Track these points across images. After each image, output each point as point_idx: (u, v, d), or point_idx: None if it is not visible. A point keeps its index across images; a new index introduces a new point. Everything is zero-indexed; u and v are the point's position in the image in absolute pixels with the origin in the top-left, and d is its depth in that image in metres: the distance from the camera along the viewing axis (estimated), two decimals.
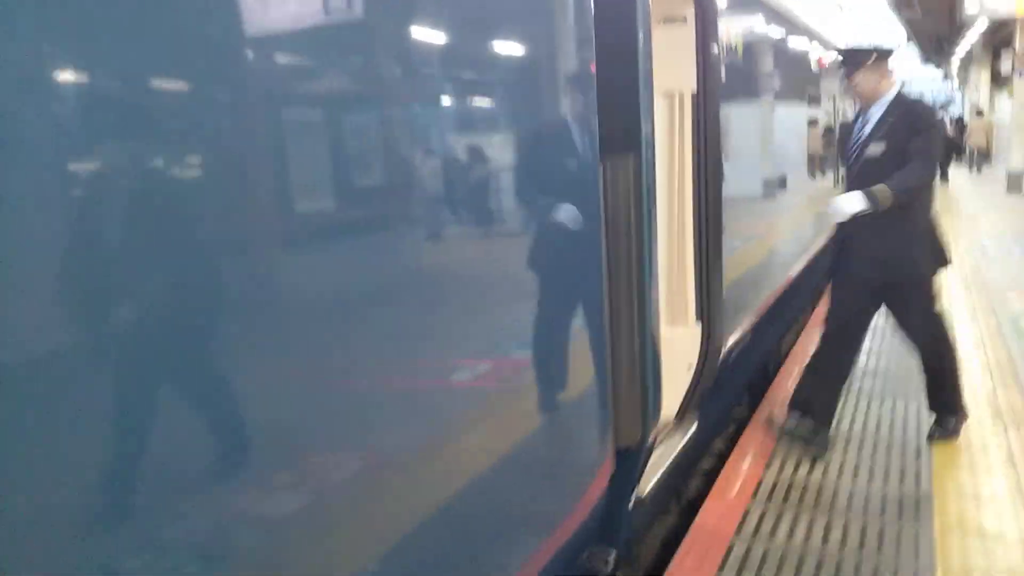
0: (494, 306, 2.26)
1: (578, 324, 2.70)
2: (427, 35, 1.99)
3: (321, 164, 1.54)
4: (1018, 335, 6.05)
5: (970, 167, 21.54)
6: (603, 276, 2.79)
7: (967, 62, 26.74)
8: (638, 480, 3.31)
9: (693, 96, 4.18)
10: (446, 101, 2.07)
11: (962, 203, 15.00)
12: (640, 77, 2.98)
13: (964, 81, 31.71)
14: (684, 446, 4.15)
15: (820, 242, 8.70)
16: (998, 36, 22.10)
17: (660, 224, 3.72)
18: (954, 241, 10.52)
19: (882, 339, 5.88)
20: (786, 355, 6.05)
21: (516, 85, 2.35)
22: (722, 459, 4.50)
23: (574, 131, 2.57)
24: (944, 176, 18.87)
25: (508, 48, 2.32)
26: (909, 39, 33.71)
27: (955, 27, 23.63)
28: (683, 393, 4.30)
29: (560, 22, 2.58)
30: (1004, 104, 20.07)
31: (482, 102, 2.26)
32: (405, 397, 1.86)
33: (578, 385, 2.71)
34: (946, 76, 32.85)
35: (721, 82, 4.32)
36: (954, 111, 19.82)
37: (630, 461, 3.14)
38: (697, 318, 4.35)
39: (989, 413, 4.52)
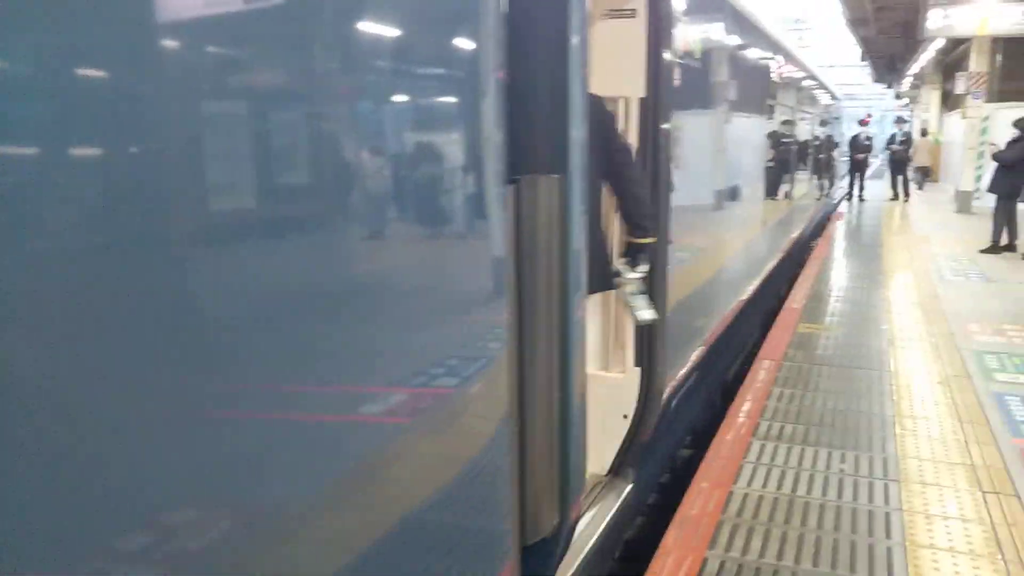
0: (353, 360, 1.59)
1: (472, 383, 2.03)
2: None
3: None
4: (985, 375, 5.58)
5: (918, 186, 21.48)
6: (508, 322, 2.15)
7: (919, 81, 26.87)
8: (555, 570, 2.67)
9: (641, 103, 3.58)
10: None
11: (913, 222, 14.77)
12: (571, 82, 2.34)
13: (915, 100, 31.98)
14: (618, 509, 3.54)
15: (774, 260, 8.33)
16: (950, 56, 22.12)
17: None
18: (908, 263, 10.29)
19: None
20: (734, 388, 5.49)
21: (383, 94, 1.66)
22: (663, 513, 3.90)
23: (469, 148, 1.92)
24: (899, 193, 18.71)
25: (373, 48, 1.62)
26: (863, 58, 33.98)
27: (909, 46, 23.63)
28: (617, 447, 3.70)
29: (450, 16, 1.90)
30: (953, 124, 20.00)
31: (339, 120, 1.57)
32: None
33: (465, 466, 2.04)
34: (898, 96, 33.17)
35: (675, 87, 3.73)
36: (906, 128, 19.57)
37: (543, 553, 2.51)
38: (636, 362, 3.75)
39: (964, 476, 3.99)
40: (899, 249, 11.40)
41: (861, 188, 19.25)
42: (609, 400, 3.79)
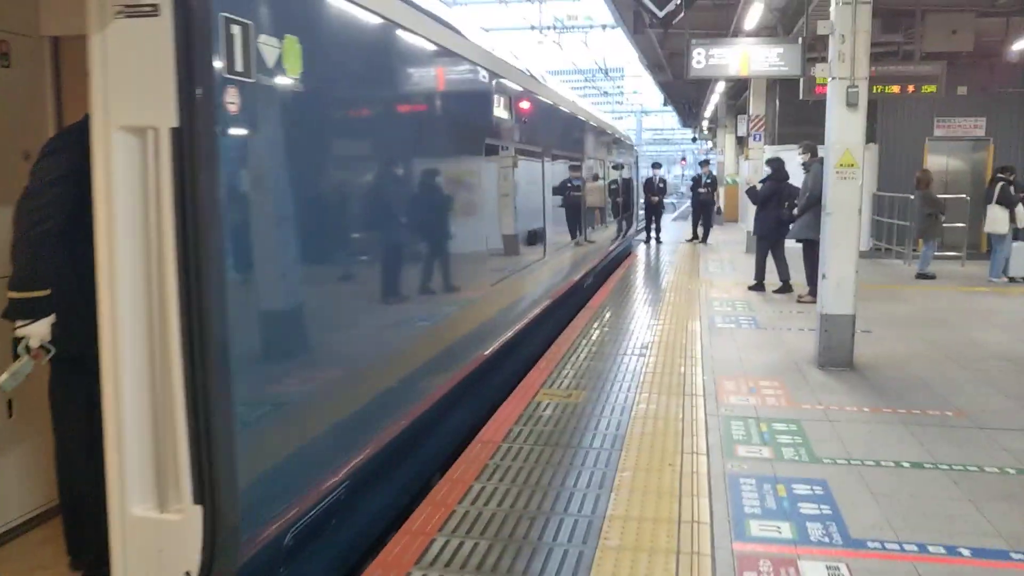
0: None
1: None
2: None
3: None
4: (725, 449, 4.87)
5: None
6: None
7: (714, 125, 27.80)
8: None
9: (174, 135, 2.52)
10: None
11: (702, 263, 14.63)
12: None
13: (715, 144, 33.21)
14: None
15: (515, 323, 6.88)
16: (740, 100, 22.83)
17: (131, 342, 2.66)
18: (684, 309, 9.77)
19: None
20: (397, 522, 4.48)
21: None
22: None
23: None
24: (698, 234, 18.79)
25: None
26: (665, 103, 35.10)
27: (701, 90, 24.29)
28: None
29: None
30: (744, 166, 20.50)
31: None
32: None
33: None
34: (694, 139, 34.45)
35: (234, 110, 2.69)
36: (711, 170, 19.84)
37: None
38: (196, 496, 2.64)
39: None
40: (679, 294, 10.99)
41: (658, 230, 19.25)
42: (166, 555, 2.66)
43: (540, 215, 8.42)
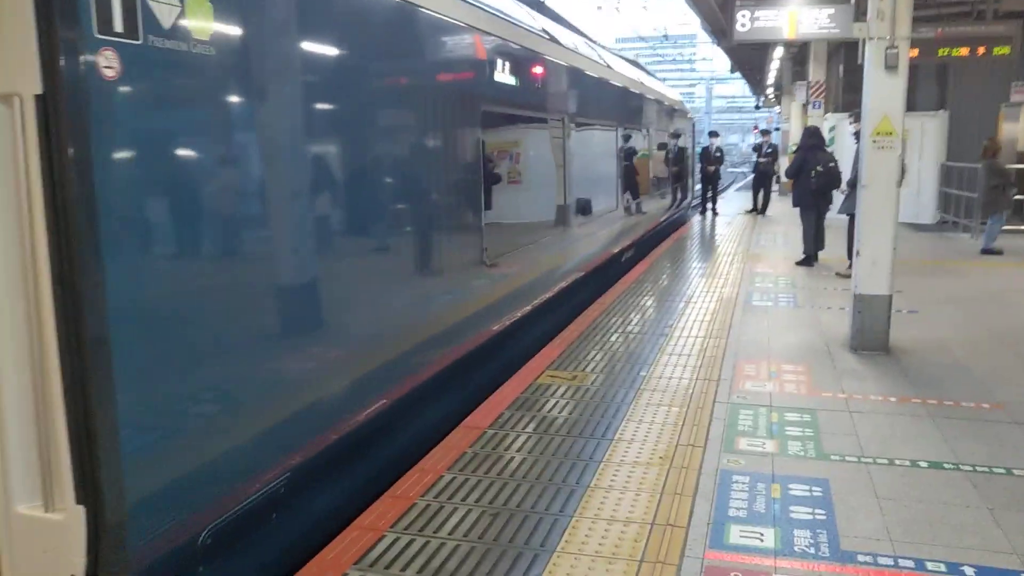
0: None
1: None
2: None
3: None
4: (726, 442, 4.51)
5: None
6: None
7: (779, 92, 26.72)
8: None
9: (39, 100, 2.29)
10: None
11: (756, 236, 14.03)
12: None
13: (782, 111, 31.98)
14: None
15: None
16: (806, 66, 21.82)
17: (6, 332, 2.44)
18: (722, 285, 9.27)
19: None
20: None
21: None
22: None
23: None
24: (757, 205, 18.08)
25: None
26: (733, 70, 33.91)
27: (765, 56, 23.32)
28: None
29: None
30: None
31: None
32: None
33: None
34: (757, 107, 33.21)
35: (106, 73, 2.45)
36: (772, 140, 19.04)
37: None
38: (77, 499, 2.45)
39: None
40: (720, 268, 10.51)
41: (714, 201, 18.60)
42: (50, 556, 2.49)
43: (551, 186, 8.04)
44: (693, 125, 20.35)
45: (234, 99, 3.05)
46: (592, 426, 4.74)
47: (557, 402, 5.18)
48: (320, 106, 3.68)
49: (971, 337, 6.88)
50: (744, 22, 9.95)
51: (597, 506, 3.69)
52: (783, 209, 18.90)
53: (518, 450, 4.38)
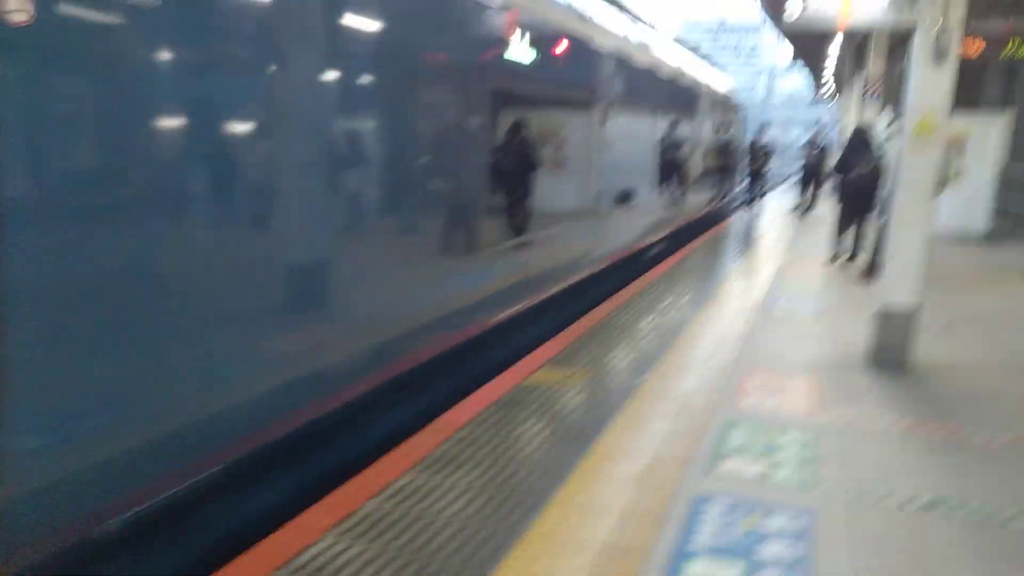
0: None
1: None
2: None
3: None
4: (709, 462, 4.19)
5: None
6: None
7: (839, 80, 25.74)
8: None
9: None
10: None
11: (797, 235, 13.49)
12: None
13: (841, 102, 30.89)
14: None
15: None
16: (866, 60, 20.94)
17: None
18: (749, 288, 8.76)
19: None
20: None
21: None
22: None
23: None
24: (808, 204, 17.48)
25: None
26: (794, 58, 32.85)
27: (825, 47, 22.43)
28: None
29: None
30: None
31: None
32: None
33: None
34: (813, 100, 32.08)
35: None
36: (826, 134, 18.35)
37: None
38: None
39: None
40: (751, 268, 10.08)
41: (761, 196, 18.02)
42: None
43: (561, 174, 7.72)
44: (743, 115, 19.69)
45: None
46: (574, 433, 4.45)
47: (544, 403, 4.90)
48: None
49: (1006, 359, 6.41)
50: (795, 9, 9.41)
51: (552, 527, 3.41)
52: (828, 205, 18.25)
53: (486, 455, 4.12)
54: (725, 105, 16.63)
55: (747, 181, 18.32)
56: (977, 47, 11.06)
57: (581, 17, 7.49)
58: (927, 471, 4.16)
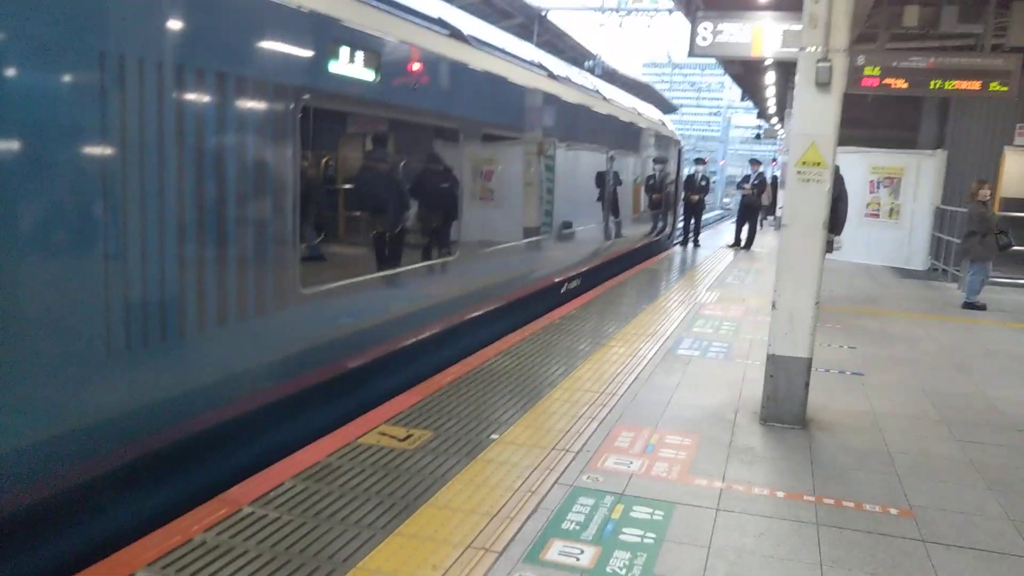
0: None
1: None
2: None
3: None
4: (533, 550, 3.49)
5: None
6: None
7: (781, 114, 25.62)
8: None
9: None
10: None
11: (728, 271, 12.97)
12: None
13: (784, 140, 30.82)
14: None
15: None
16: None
17: None
18: (655, 326, 8.07)
19: None
20: None
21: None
22: None
23: None
24: (740, 239, 17.02)
25: None
26: (743, 97, 32.84)
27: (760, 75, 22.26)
28: None
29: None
30: None
31: None
32: None
33: None
34: (758, 136, 32.07)
35: None
36: (761, 170, 17.96)
37: None
38: None
39: None
40: (665, 306, 9.47)
41: (696, 232, 17.56)
42: None
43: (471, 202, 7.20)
44: (679, 151, 19.30)
45: None
46: (381, 510, 3.73)
47: (363, 470, 4.18)
48: None
49: (911, 412, 5.81)
50: (705, 35, 8.95)
51: None
52: (773, 244, 17.84)
53: (259, 543, 3.37)
54: (654, 137, 16.20)
55: (682, 216, 17.88)
56: (899, 84, 10.69)
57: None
58: (797, 555, 3.50)
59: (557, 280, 10.51)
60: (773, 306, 5.28)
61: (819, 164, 5.10)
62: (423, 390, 5.63)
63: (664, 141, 17.13)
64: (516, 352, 6.91)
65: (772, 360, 5.30)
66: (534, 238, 9.07)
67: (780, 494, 4.18)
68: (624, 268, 13.65)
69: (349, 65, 5.10)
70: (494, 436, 4.79)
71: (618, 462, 4.49)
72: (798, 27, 8.23)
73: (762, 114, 31.08)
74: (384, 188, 6.16)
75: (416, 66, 6.00)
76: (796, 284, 5.18)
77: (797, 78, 5.19)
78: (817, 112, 5.10)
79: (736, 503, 4.03)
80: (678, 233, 19.14)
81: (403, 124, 6.16)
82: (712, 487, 4.22)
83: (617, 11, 24.94)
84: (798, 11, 5.41)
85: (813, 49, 5.07)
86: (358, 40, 5.16)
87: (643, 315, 8.94)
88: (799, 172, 5.13)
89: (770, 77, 19.23)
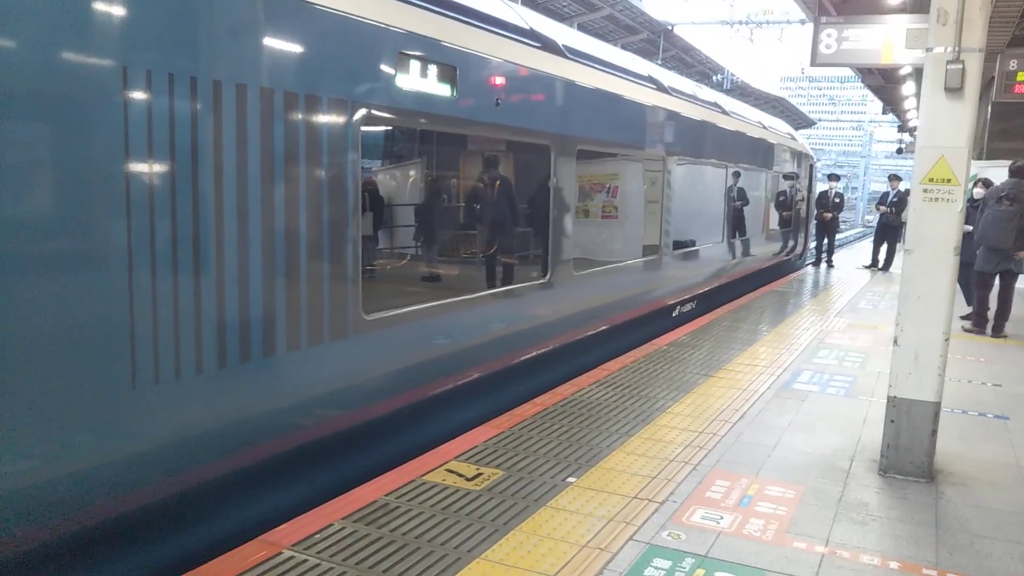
0: None
1: None
2: None
3: None
4: None
5: None
6: None
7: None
8: None
9: None
10: None
11: (864, 295, 12.01)
12: None
13: None
14: None
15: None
16: None
17: None
18: (773, 356, 7.14)
19: None
20: None
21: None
22: None
23: None
24: (878, 260, 15.88)
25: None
26: (885, 110, 30.99)
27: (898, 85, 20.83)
28: None
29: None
30: None
31: None
32: None
33: None
34: (900, 150, 29.95)
35: None
36: (901, 187, 16.72)
37: None
38: None
39: None
40: (788, 333, 8.76)
41: (830, 252, 16.50)
42: None
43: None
44: (811, 166, 18.24)
45: None
46: (429, 562, 3.40)
47: (421, 512, 3.87)
48: None
49: None
50: (829, 42, 8.23)
51: None
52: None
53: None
54: (787, 155, 15.37)
55: (815, 235, 16.86)
56: None
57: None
58: None
59: (670, 303, 9.96)
60: (895, 342, 4.64)
61: (949, 181, 4.45)
62: (503, 422, 5.29)
63: (794, 156, 16.21)
64: (612, 382, 6.47)
65: (893, 403, 4.65)
66: (636, 259, 8.58)
67: (894, 565, 3.58)
68: (750, 288, 12.93)
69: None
70: (571, 479, 4.38)
71: (706, 516, 3.99)
72: (923, 26, 7.47)
73: (903, 127, 29.17)
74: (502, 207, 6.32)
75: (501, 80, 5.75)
76: (922, 317, 4.53)
77: (924, 83, 4.56)
78: (947, 121, 4.46)
79: (839, 573, 3.47)
80: (811, 253, 18.08)
81: (512, 144, 6.09)
82: (812, 552, 3.66)
83: (746, 23, 24.04)
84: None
85: (942, 50, 4.43)
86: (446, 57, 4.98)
87: (760, 343, 8.29)
88: (925, 190, 4.50)
89: (909, 87, 17.91)
